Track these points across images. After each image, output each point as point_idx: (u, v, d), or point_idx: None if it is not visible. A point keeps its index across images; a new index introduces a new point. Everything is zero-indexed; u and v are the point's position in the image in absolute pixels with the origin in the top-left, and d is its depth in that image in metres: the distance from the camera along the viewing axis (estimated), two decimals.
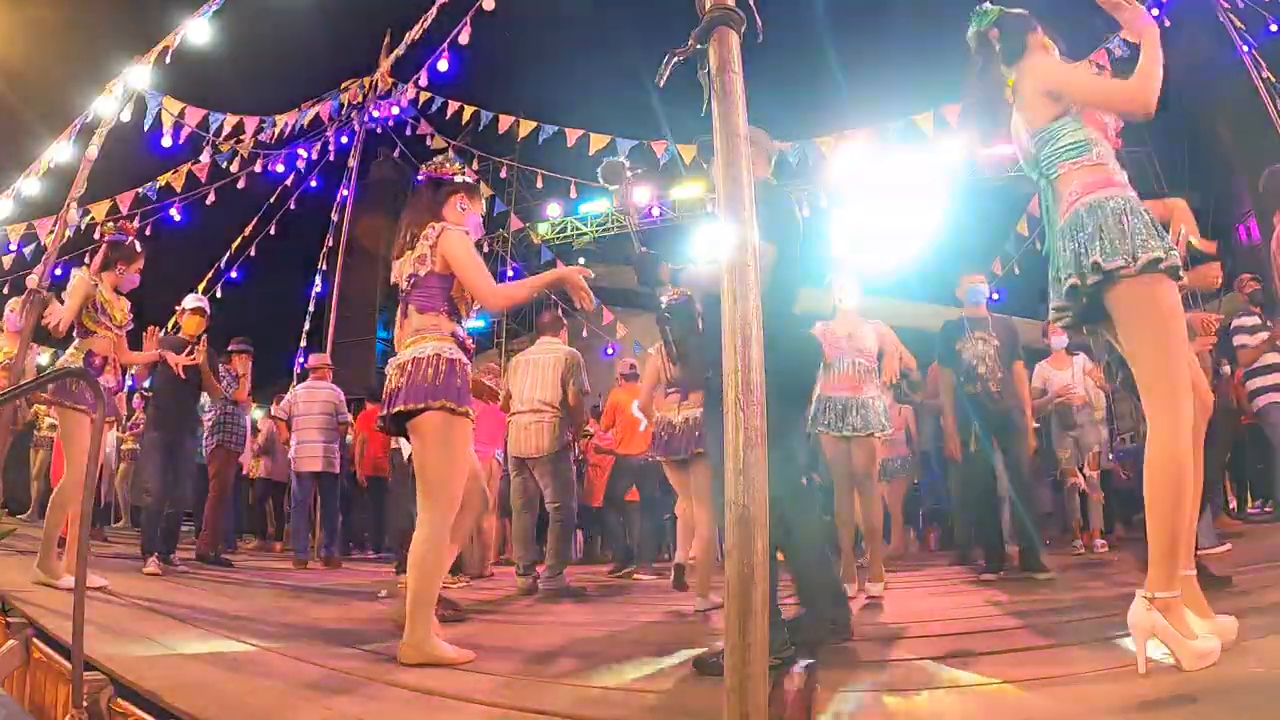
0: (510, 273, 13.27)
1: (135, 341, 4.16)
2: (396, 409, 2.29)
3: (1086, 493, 5.45)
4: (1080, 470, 5.39)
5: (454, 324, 2.41)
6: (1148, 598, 1.65)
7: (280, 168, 10.61)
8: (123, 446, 7.94)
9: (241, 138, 8.96)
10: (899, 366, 3.95)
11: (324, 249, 11.58)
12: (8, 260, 8.77)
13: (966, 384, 4.20)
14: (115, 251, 3.80)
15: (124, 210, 8.86)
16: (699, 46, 1.36)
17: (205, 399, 5.53)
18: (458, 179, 2.57)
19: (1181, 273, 1.79)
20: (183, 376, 4.50)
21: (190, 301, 5.13)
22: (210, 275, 10.95)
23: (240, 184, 9.94)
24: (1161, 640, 1.62)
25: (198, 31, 5.51)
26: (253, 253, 11.06)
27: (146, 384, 6.20)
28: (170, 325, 9.91)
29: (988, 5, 2.18)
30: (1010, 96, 2.10)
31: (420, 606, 2.18)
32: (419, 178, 2.64)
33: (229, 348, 5.81)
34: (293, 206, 11.25)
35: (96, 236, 8.99)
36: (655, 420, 3.93)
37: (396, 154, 12.67)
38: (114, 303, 3.80)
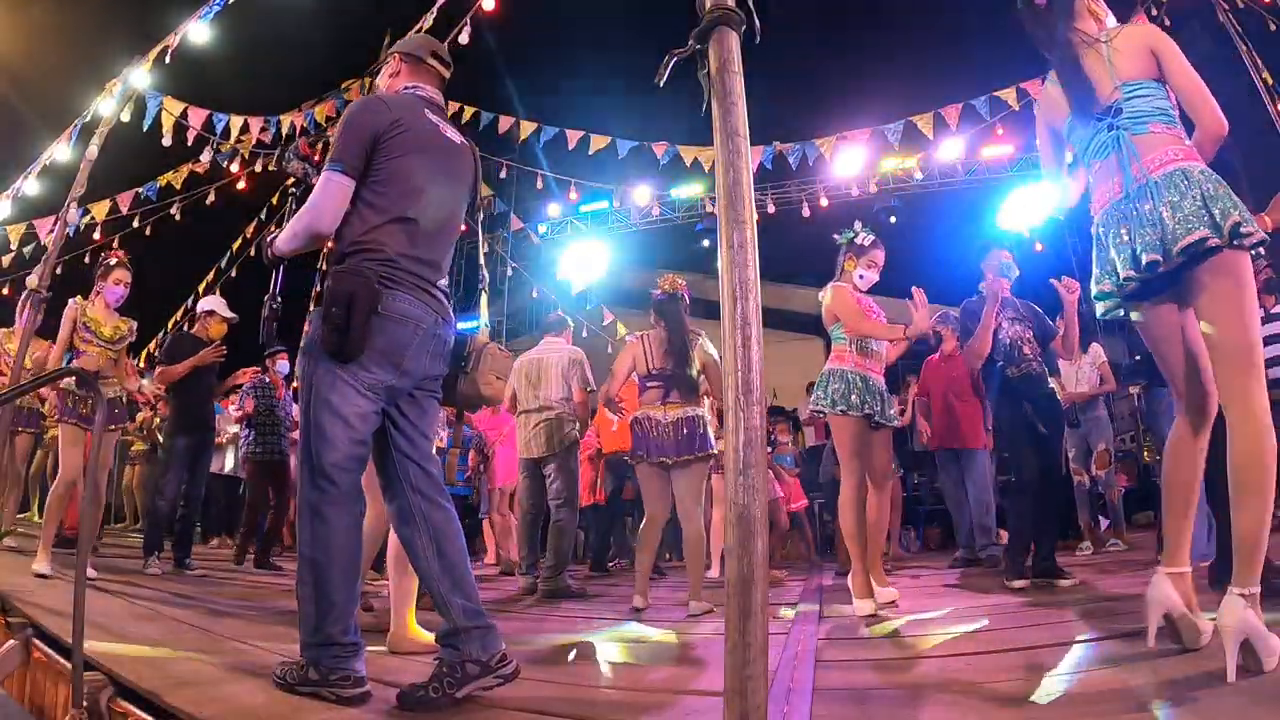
0: (509, 271, 13.24)
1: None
2: None
3: (1101, 491, 5.37)
4: (1087, 469, 5.30)
5: None
6: (1243, 595, 1.51)
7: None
8: (131, 449, 7.90)
9: (243, 137, 8.95)
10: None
11: (324, 249, 11.55)
12: (7, 260, 8.77)
13: (1008, 366, 3.83)
14: (96, 271, 4.05)
15: (124, 210, 8.86)
16: (699, 46, 1.36)
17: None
18: None
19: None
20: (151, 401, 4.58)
21: (223, 309, 5.04)
22: (211, 275, 10.96)
23: (240, 184, 9.94)
24: (1252, 640, 1.49)
25: (198, 31, 5.52)
26: (252, 253, 11.06)
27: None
28: (172, 323, 9.96)
29: None
30: (1081, 38, 1.93)
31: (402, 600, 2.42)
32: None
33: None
34: (293, 206, 11.24)
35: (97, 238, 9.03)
36: (638, 417, 3.64)
37: None
38: (102, 320, 3.96)
